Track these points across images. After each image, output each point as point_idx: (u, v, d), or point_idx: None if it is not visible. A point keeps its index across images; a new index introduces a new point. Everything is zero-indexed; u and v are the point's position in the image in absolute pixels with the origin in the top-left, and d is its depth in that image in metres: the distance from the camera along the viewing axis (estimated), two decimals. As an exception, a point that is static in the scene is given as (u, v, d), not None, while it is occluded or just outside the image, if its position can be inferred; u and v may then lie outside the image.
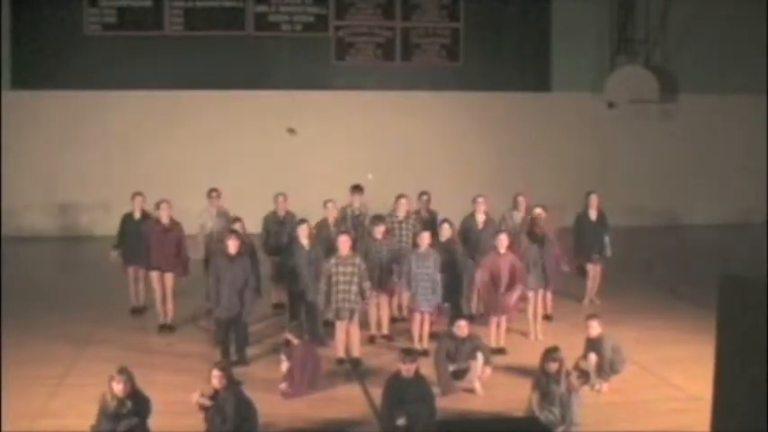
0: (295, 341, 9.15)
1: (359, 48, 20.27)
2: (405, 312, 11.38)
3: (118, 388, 7.13)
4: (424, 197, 12.52)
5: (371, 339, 10.81)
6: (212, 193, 12.60)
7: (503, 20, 20.44)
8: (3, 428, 7.83)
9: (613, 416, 8.38)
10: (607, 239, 12.82)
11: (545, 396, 7.98)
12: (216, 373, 7.52)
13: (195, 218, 12.26)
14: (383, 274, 10.80)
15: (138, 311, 12.13)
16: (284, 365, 9.07)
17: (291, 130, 19.75)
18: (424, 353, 10.00)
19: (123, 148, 19.18)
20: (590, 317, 9.31)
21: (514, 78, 20.43)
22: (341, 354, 10.01)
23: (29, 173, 18.88)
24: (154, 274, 11.37)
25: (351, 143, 19.70)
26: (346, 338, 10.01)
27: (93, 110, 18.98)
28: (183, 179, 18.15)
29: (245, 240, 10.86)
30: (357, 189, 12.44)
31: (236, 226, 11.17)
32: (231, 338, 9.97)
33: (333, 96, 19.76)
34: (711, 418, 5.76)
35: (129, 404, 7.16)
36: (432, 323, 10.52)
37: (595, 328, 9.19)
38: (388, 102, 19.84)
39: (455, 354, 9.04)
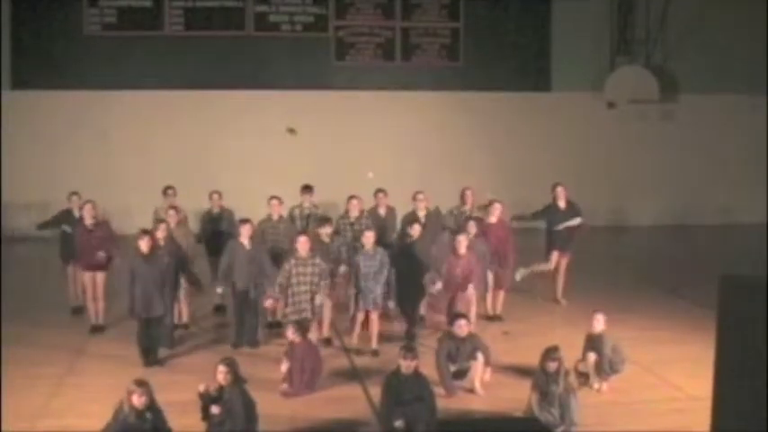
0: (297, 339, 9.11)
1: (359, 48, 20.27)
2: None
3: (140, 401, 6.92)
4: (420, 196, 12.52)
5: (328, 342, 10.78)
6: (168, 190, 12.84)
7: (503, 20, 20.44)
8: (3, 428, 7.83)
9: (613, 416, 8.38)
10: (578, 220, 12.78)
11: (544, 396, 7.97)
12: (221, 368, 7.50)
13: (152, 215, 12.46)
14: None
15: (78, 311, 12.06)
16: (284, 366, 9.04)
17: (291, 130, 19.75)
18: (375, 353, 10.23)
19: (123, 148, 19.17)
20: (596, 311, 9.29)
21: (514, 78, 20.42)
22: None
23: (29, 173, 18.87)
24: (86, 275, 11.46)
25: (351, 143, 19.71)
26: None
27: (93, 110, 18.97)
28: (182, 179, 18.08)
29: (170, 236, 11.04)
30: (307, 189, 12.53)
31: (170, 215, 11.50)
32: (154, 336, 10.05)
33: (333, 96, 19.76)
34: (711, 418, 5.75)
35: (149, 417, 7.01)
36: (379, 321, 10.54)
37: (600, 323, 9.17)
38: (388, 102, 19.84)
39: (456, 354, 9.03)
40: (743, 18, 20.08)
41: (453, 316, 9.45)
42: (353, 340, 10.65)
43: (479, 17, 20.36)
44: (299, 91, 19.58)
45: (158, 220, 11.50)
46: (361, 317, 10.68)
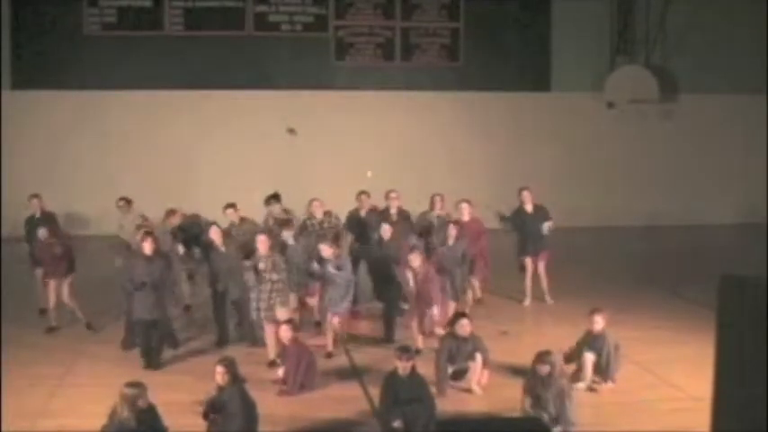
0: (290, 338, 9.05)
1: (359, 48, 20.27)
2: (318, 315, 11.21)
3: (141, 402, 6.90)
4: (393, 194, 12.47)
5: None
6: (119, 202, 12.77)
7: (503, 20, 20.44)
8: (3, 428, 7.83)
9: (613, 416, 8.38)
10: (547, 225, 12.66)
11: (537, 399, 7.94)
12: (219, 369, 7.50)
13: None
14: (300, 276, 10.80)
15: (45, 312, 11.82)
16: (281, 371, 9.02)
17: (291, 130, 19.75)
18: (329, 355, 10.17)
19: (123, 148, 19.18)
20: (594, 311, 9.26)
21: (514, 78, 20.42)
22: (272, 356, 9.86)
23: (29, 173, 18.85)
24: (50, 282, 11.40)
25: (351, 143, 19.70)
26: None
27: (93, 110, 18.97)
28: (182, 179, 18.15)
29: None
30: (274, 198, 12.39)
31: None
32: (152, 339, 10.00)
33: (333, 96, 19.76)
34: (711, 418, 5.75)
35: (144, 418, 6.96)
36: (341, 324, 10.44)
37: (599, 323, 9.15)
38: (388, 102, 19.84)
39: (456, 353, 9.04)
40: (743, 18, 20.07)
41: (455, 315, 9.47)
42: (329, 348, 10.36)
43: (479, 17, 20.35)
44: (298, 91, 19.58)
45: (139, 226, 11.48)
46: (329, 318, 10.39)
